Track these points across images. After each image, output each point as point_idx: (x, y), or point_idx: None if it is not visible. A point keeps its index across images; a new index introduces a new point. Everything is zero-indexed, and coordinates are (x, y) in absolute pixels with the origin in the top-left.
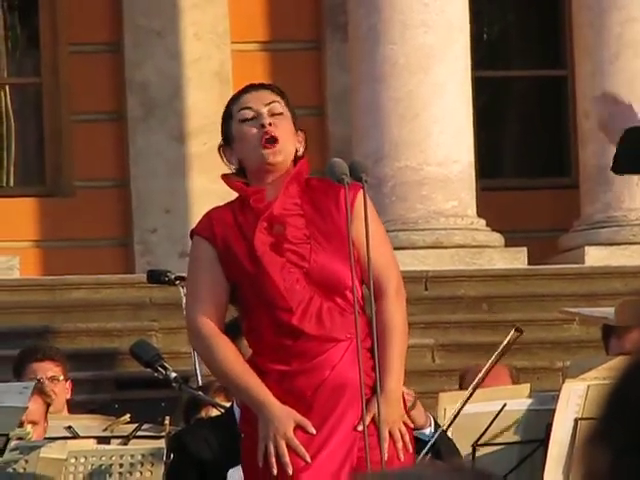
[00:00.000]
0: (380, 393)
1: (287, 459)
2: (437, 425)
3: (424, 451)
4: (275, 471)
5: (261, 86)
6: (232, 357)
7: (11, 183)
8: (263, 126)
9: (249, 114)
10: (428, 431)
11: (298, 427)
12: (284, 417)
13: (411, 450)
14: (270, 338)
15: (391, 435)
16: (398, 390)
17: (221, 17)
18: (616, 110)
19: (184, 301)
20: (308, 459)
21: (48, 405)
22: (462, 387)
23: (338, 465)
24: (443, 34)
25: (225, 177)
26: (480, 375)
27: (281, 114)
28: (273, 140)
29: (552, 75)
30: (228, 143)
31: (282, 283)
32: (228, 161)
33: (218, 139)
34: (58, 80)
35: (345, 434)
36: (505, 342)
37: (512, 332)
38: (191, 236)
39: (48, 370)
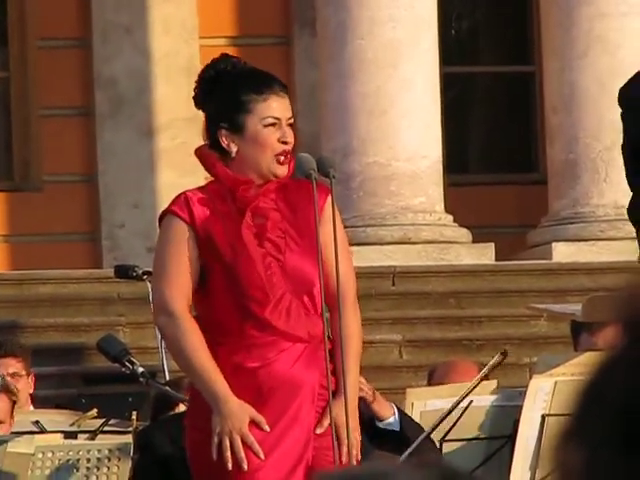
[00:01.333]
0: (339, 397)
1: (242, 455)
2: (401, 412)
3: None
4: (230, 466)
5: (284, 87)
6: (198, 344)
7: None
8: (285, 143)
9: (275, 122)
10: (392, 419)
11: (252, 423)
12: (241, 413)
13: (357, 460)
14: (233, 327)
15: (348, 441)
16: (355, 399)
17: (190, 12)
18: None
19: (151, 295)
20: (262, 456)
21: (14, 403)
22: (430, 383)
23: (292, 464)
24: (411, 30)
25: (204, 153)
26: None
27: (292, 126)
28: (287, 155)
29: (520, 71)
30: (232, 129)
31: (263, 272)
32: (227, 146)
33: (186, 134)
34: (26, 75)
35: (299, 433)
36: (490, 364)
37: (497, 355)
38: (163, 215)
39: (9, 366)
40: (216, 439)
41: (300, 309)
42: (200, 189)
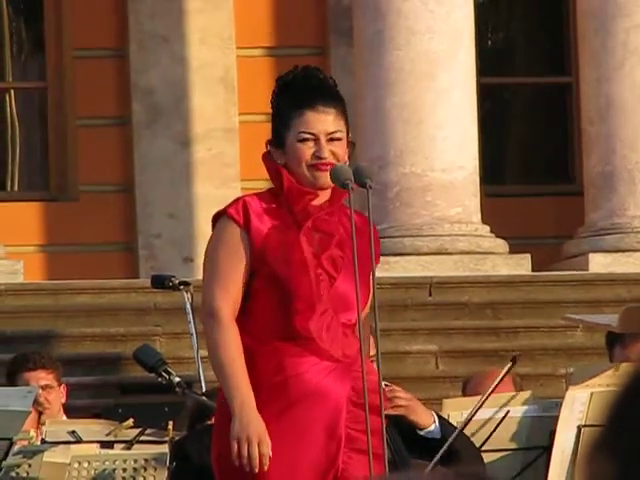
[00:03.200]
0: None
1: (257, 462)
2: (442, 420)
3: (441, 451)
4: (248, 470)
5: (328, 102)
6: (235, 354)
7: (16, 187)
8: (320, 158)
9: (309, 137)
10: (433, 427)
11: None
12: (259, 422)
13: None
14: (269, 336)
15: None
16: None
17: (226, 22)
18: None
19: (188, 306)
20: (265, 467)
21: (40, 413)
22: (465, 394)
23: (319, 475)
24: (449, 40)
25: (273, 164)
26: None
27: (339, 140)
28: (325, 167)
29: (557, 82)
30: (278, 146)
31: (316, 289)
32: (275, 160)
33: (223, 145)
34: (63, 85)
35: (328, 444)
36: (502, 374)
37: (509, 364)
38: (218, 216)
39: (41, 379)
40: (235, 444)
41: (338, 328)
42: (259, 195)
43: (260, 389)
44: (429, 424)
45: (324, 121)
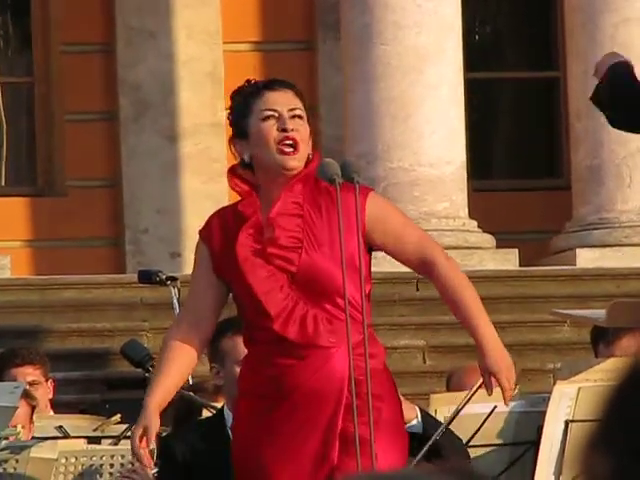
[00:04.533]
0: (481, 344)
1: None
2: (426, 414)
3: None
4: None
5: (285, 84)
6: (165, 360)
7: (2, 182)
8: (285, 130)
9: (272, 114)
10: (415, 422)
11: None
12: (151, 422)
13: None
14: (255, 334)
15: (500, 384)
16: (497, 339)
17: (213, 17)
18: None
19: (175, 301)
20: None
21: (33, 407)
22: (449, 389)
23: (314, 467)
24: (436, 35)
25: (230, 172)
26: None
27: (302, 118)
28: (293, 146)
29: (544, 77)
30: (241, 137)
31: (261, 290)
32: (239, 155)
33: (210, 140)
34: (50, 80)
35: (323, 437)
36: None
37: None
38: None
39: (28, 375)
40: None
41: (319, 318)
42: (231, 206)
43: (256, 385)
44: (410, 419)
45: (283, 97)
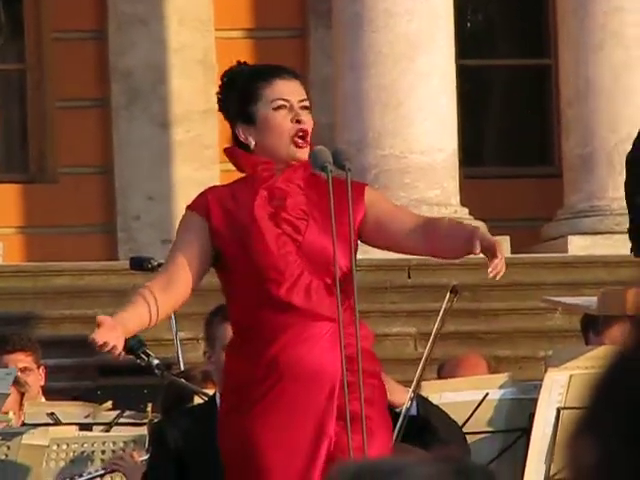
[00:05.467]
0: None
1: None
2: (421, 398)
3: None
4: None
5: (292, 74)
6: (137, 295)
7: None
8: (299, 122)
9: (284, 104)
10: (409, 404)
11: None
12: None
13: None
14: (255, 315)
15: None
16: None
17: (205, 4)
18: None
19: None
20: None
21: (22, 394)
22: (440, 377)
23: (309, 450)
24: (427, 22)
25: (229, 150)
26: (428, 346)
27: (308, 109)
28: (305, 137)
29: (536, 64)
30: (247, 122)
31: (276, 250)
32: (245, 140)
33: (201, 127)
34: (42, 67)
35: (318, 419)
36: (444, 307)
37: (448, 295)
38: (186, 212)
39: (19, 361)
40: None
41: (321, 289)
42: (227, 185)
43: (254, 368)
44: (403, 402)
45: (294, 88)
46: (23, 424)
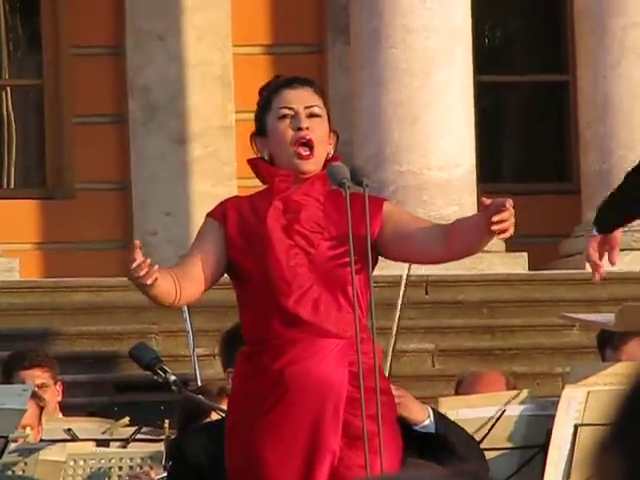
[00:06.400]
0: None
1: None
2: (439, 415)
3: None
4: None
5: (305, 82)
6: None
7: (12, 185)
8: (300, 129)
9: (288, 112)
10: (428, 422)
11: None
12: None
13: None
14: (265, 327)
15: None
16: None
17: (223, 20)
18: None
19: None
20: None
21: (42, 408)
22: (458, 393)
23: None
24: (445, 38)
25: (252, 161)
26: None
27: (319, 117)
28: (309, 146)
29: (554, 80)
30: (261, 134)
31: (285, 262)
32: (259, 151)
33: (219, 143)
34: (60, 82)
35: (325, 434)
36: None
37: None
38: (205, 218)
39: (36, 378)
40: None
41: (331, 304)
42: (247, 196)
43: (261, 380)
44: (422, 419)
45: (301, 95)
46: (41, 440)
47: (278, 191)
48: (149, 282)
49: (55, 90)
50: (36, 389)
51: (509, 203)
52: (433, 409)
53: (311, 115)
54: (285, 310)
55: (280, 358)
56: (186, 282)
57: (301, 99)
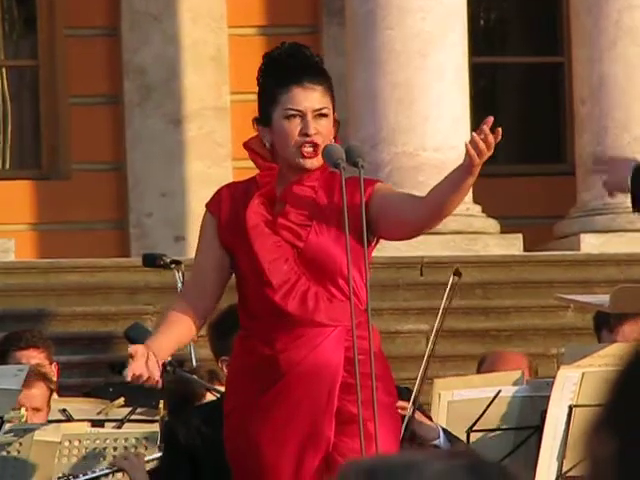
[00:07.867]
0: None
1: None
2: (447, 433)
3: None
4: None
5: (315, 78)
6: (166, 319)
7: (7, 166)
8: (307, 135)
9: (295, 114)
10: (438, 442)
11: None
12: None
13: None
14: (257, 312)
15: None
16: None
17: (218, 1)
18: (613, 166)
19: (179, 284)
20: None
21: (51, 391)
22: (479, 372)
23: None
24: (441, 20)
25: (248, 147)
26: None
27: (326, 116)
28: (314, 147)
29: (549, 61)
30: (265, 123)
31: (266, 258)
32: (262, 138)
33: (214, 124)
34: (55, 63)
35: (318, 418)
36: (448, 288)
37: (452, 277)
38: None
39: (32, 358)
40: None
41: (320, 296)
42: (247, 179)
43: (256, 367)
44: (432, 438)
45: (311, 97)
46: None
47: (261, 185)
48: (157, 380)
49: (50, 71)
50: (45, 371)
51: (490, 118)
52: (443, 428)
53: (318, 116)
54: (273, 304)
55: (274, 344)
56: (200, 303)
57: (311, 101)
